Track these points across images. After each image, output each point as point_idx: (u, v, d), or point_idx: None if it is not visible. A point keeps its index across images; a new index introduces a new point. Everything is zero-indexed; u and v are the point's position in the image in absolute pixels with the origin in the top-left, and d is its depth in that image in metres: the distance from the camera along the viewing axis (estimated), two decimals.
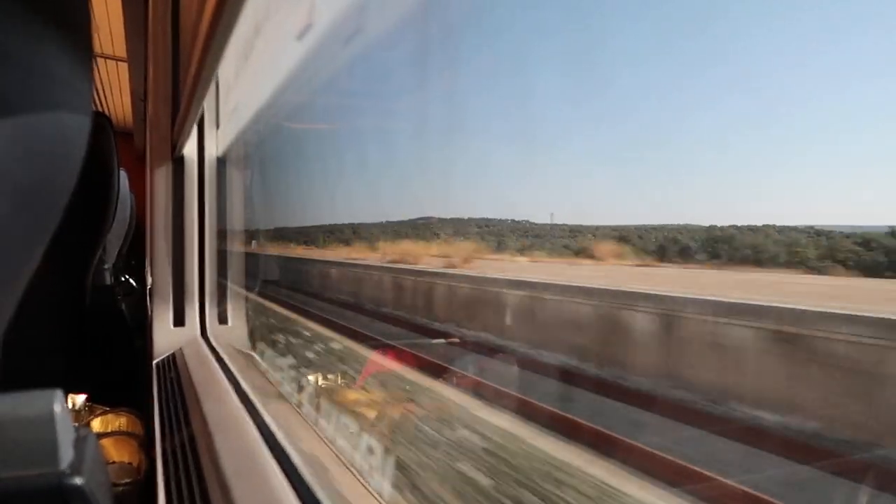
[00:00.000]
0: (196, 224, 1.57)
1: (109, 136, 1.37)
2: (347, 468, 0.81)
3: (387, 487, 0.89)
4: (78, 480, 0.35)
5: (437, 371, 5.20)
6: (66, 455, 0.35)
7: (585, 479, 1.73)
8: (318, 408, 1.14)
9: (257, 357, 1.37)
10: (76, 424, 0.38)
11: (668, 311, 5.74)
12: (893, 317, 4.17)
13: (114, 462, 0.99)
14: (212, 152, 1.59)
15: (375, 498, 0.71)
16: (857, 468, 3.61)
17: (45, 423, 0.35)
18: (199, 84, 0.91)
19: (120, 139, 1.41)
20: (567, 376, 5.77)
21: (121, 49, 3.85)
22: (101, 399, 1.15)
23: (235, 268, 1.70)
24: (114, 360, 1.61)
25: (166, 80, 1.50)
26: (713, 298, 5.53)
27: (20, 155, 0.35)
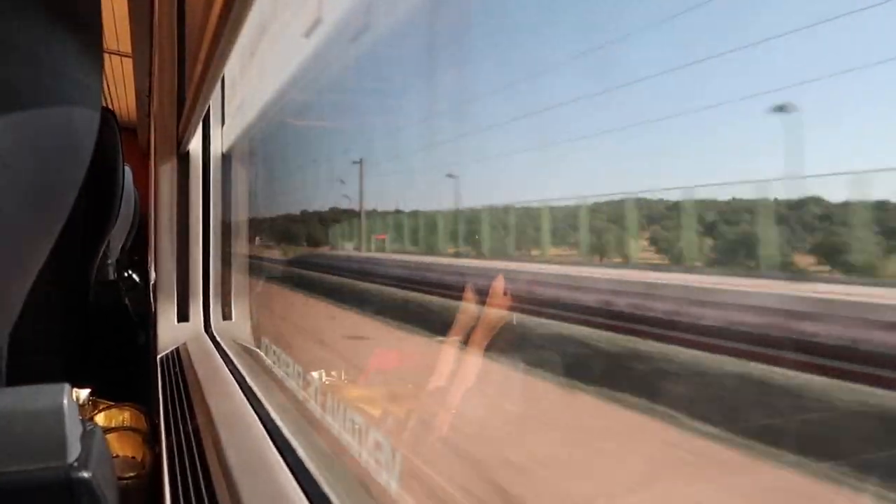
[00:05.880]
0: (201, 220, 1.57)
1: (114, 131, 1.38)
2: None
3: None
4: (85, 474, 0.35)
5: None
6: (74, 449, 0.36)
7: None
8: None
9: (261, 353, 1.37)
10: (82, 418, 0.38)
11: None
12: None
13: (118, 456, 0.99)
14: (217, 149, 1.59)
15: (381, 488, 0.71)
16: None
17: (53, 417, 0.35)
18: (205, 81, 0.92)
19: (123, 135, 1.41)
20: None
21: (125, 45, 3.85)
22: (105, 394, 1.15)
23: None
24: (118, 355, 1.62)
25: (172, 77, 1.50)
26: None
27: (30, 149, 0.35)
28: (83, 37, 0.38)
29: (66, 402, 0.35)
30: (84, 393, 1.12)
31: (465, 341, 1.27)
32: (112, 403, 1.12)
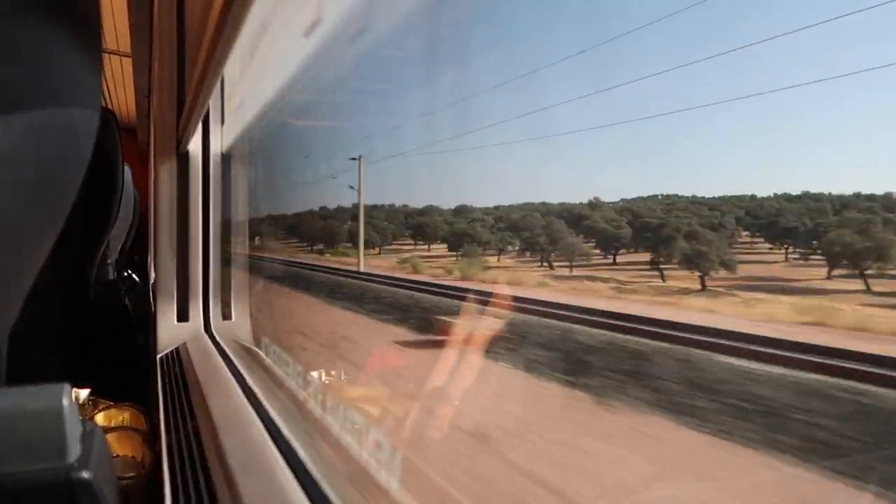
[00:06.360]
0: (200, 220, 1.57)
1: (114, 131, 1.38)
2: None
3: None
4: (85, 474, 0.35)
5: None
6: (74, 449, 0.35)
7: None
8: None
9: (261, 352, 1.37)
10: (82, 418, 0.38)
11: None
12: None
13: (118, 456, 0.99)
14: (216, 148, 1.59)
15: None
16: None
17: (53, 417, 0.35)
18: (205, 81, 0.91)
19: (123, 135, 1.41)
20: None
21: (124, 45, 3.84)
22: (105, 394, 1.15)
23: None
24: (117, 354, 1.62)
25: (172, 77, 1.50)
26: None
27: (30, 149, 0.35)
28: (82, 37, 0.38)
29: (65, 402, 0.35)
30: (84, 393, 1.12)
31: None
32: (112, 403, 1.12)
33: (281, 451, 0.72)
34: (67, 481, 0.34)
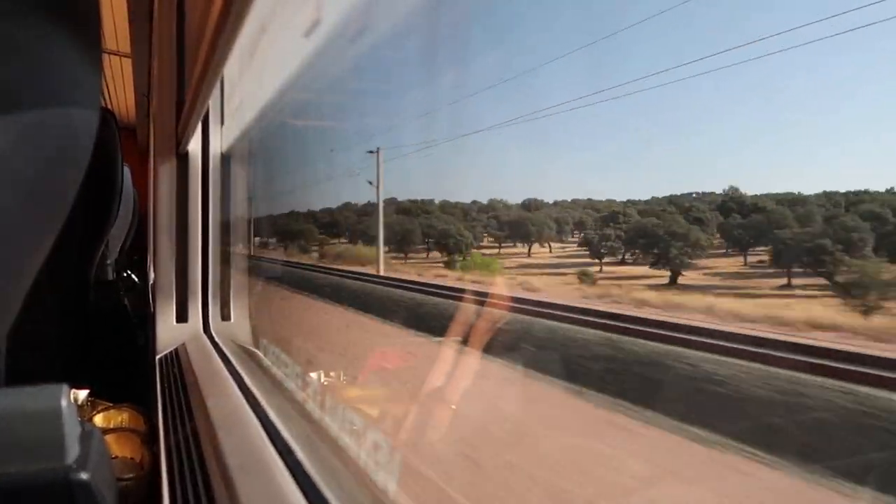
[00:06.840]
0: (200, 220, 1.57)
1: (113, 131, 1.38)
2: None
3: None
4: (84, 475, 0.35)
5: None
6: (73, 450, 0.35)
7: None
8: None
9: (260, 353, 1.37)
10: (80, 419, 0.38)
11: None
12: None
13: (116, 457, 0.99)
14: (216, 149, 1.59)
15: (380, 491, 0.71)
16: None
17: (51, 418, 0.35)
18: (204, 81, 0.91)
19: (123, 135, 1.41)
20: None
21: (124, 44, 3.85)
22: (104, 394, 1.15)
23: None
24: (116, 355, 1.62)
25: (171, 77, 1.50)
26: None
27: (29, 149, 0.35)
28: (82, 36, 0.38)
29: (64, 402, 0.35)
30: (82, 394, 1.11)
31: None
32: (111, 404, 1.12)
33: (279, 452, 0.72)
34: (66, 482, 0.34)
